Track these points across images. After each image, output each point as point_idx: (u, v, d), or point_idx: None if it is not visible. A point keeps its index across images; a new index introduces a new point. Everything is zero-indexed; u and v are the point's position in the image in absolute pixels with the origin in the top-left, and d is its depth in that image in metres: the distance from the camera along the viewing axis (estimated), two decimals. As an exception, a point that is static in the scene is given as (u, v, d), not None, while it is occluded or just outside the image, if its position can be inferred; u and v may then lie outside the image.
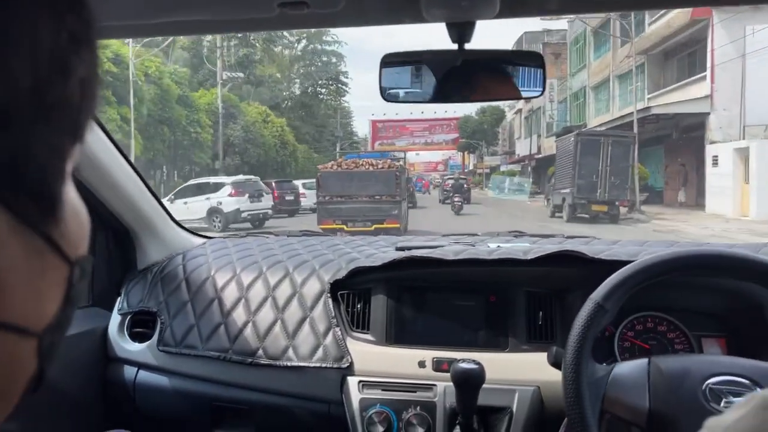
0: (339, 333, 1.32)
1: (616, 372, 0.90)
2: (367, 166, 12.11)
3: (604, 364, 0.96)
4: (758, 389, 0.85)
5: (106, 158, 1.36)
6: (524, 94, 0.92)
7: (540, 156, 31.57)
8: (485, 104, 38.68)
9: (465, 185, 21.90)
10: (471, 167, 56.61)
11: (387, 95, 0.89)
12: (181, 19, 0.83)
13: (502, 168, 42.74)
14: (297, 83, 43.32)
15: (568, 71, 30.01)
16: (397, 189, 11.75)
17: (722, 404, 0.84)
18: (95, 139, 1.31)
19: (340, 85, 45.54)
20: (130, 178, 1.45)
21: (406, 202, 13.18)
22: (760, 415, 0.38)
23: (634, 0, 0.75)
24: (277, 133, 28.85)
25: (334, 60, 44.89)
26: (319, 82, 43.84)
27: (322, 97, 44.82)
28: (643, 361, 0.91)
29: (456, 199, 18.39)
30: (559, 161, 17.72)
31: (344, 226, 11.26)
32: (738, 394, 0.85)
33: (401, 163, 13.94)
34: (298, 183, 20.04)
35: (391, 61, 0.90)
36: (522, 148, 39.05)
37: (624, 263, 0.97)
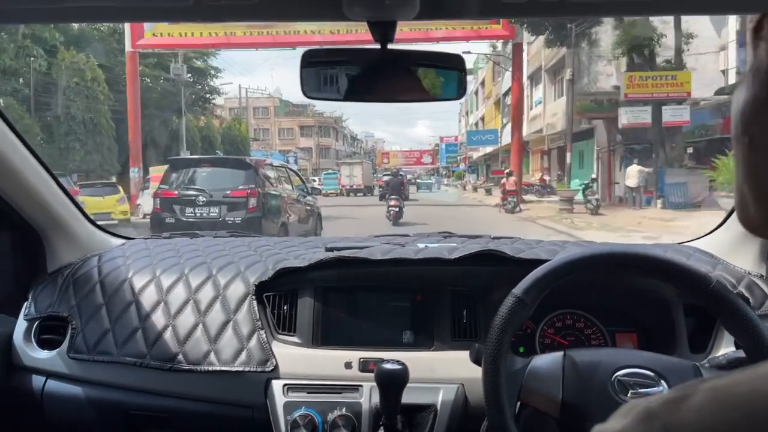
0: (263, 336, 1.28)
1: (533, 364, 0.93)
2: None
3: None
4: (662, 381, 0.91)
5: (6, 149, 1.26)
6: (444, 97, 0.93)
7: None
8: None
9: (404, 180, 15.54)
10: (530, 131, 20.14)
11: (308, 92, 0.88)
12: (88, 4, 0.78)
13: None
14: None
15: None
16: None
17: (629, 395, 0.88)
18: None
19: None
20: (35, 172, 1.35)
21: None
22: (641, 426, 0.39)
23: (554, 6, 0.75)
24: None
25: None
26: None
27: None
28: (559, 354, 0.94)
29: (392, 204, 12.98)
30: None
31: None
32: (643, 386, 0.90)
33: None
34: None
35: (312, 57, 0.89)
36: None
37: (544, 261, 1.00)
